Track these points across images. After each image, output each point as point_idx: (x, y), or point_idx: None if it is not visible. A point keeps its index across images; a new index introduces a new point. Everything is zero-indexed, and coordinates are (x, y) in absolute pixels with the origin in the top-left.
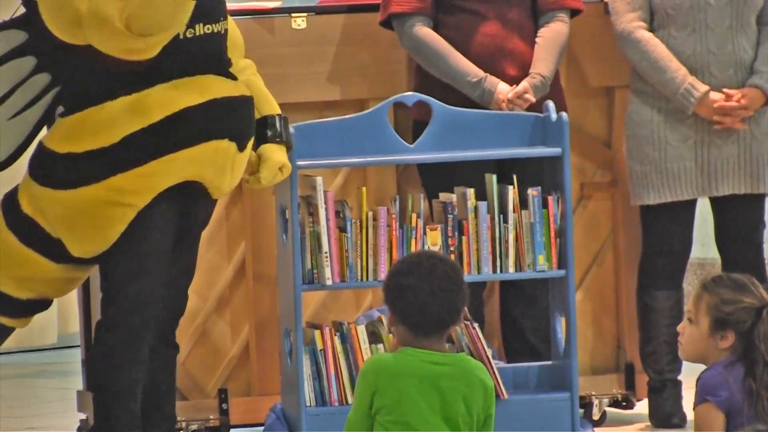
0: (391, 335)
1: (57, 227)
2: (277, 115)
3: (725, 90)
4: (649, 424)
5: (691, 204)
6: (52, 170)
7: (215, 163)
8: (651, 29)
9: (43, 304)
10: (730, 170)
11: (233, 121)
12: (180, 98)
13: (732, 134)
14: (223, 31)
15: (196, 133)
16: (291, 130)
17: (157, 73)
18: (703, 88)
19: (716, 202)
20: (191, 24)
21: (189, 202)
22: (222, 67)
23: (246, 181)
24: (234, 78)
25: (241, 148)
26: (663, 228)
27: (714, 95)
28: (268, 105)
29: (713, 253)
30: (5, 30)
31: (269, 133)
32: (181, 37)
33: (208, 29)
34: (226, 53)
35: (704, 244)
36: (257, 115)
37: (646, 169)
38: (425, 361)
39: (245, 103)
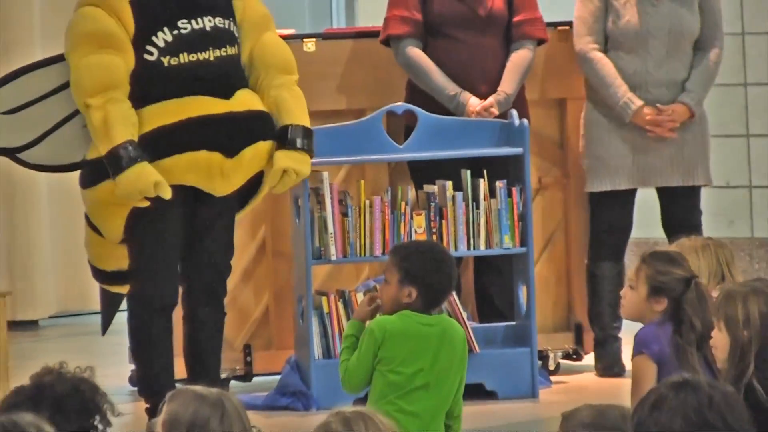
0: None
1: (90, 216)
2: (292, 125)
3: (657, 105)
4: (594, 373)
5: (630, 193)
6: (82, 172)
7: (199, 170)
8: (604, 50)
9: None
10: (664, 167)
11: (212, 134)
12: (159, 117)
13: (665, 139)
14: (214, 59)
15: (172, 145)
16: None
17: (147, 96)
18: (639, 102)
19: (661, 194)
20: (175, 54)
21: (192, 201)
22: (212, 88)
23: (273, 190)
24: (227, 96)
25: (229, 155)
26: (607, 211)
27: (647, 109)
28: (288, 115)
29: (654, 234)
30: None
31: (282, 140)
32: (165, 65)
33: (193, 57)
34: (225, 76)
35: (648, 226)
36: (278, 125)
37: (594, 163)
38: (419, 323)
39: (230, 118)
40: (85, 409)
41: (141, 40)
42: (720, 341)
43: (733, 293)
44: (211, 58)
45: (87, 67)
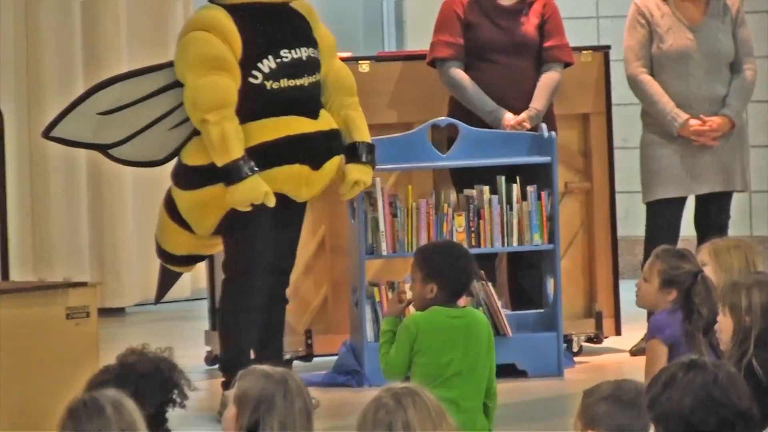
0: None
1: (182, 212)
2: (362, 141)
3: (702, 117)
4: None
5: (681, 200)
6: (179, 174)
7: (291, 180)
8: (651, 73)
9: (198, 258)
10: (708, 177)
11: (304, 149)
12: (261, 133)
13: (708, 149)
14: (307, 84)
15: (272, 159)
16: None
17: (250, 113)
18: (684, 116)
19: (699, 196)
20: (276, 78)
21: (280, 205)
22: (304, 109)
23: (340, 195)
24: (315, 117)
25: (315, 167)
26: (661, 217)
27: (692, 121)
28: (358, 133)
29: (684, 232)
30: (166, 69)
31: (353, 156)
32: (267, 88)
33: (288, 83)
34: (313, 99)
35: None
36: (348, 141)
37: (649, 177)
38: (448, 316)
39: (319, 136)
40: (164, 385)
41: (247, 65)
42: (725, 325)
43: (738, 284)
44: (306, 84)
45: (204, 86)
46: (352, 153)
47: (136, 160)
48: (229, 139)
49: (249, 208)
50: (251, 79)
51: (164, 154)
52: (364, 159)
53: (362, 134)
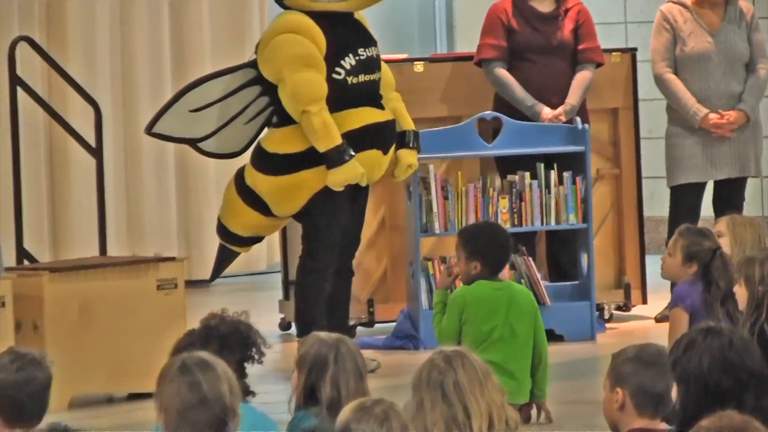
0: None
1: (264, 196)
2: (411, 129)
3: (720, 111)
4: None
5: (702, 185)
6: (262, 161)
7: (368, 164)
8: (675, 72)
9: (258, 239)
10: (725, 164)
11: (379, 137)
12: (346, 123)
13: (726, 140)
14: (377, 79)
15: (356, 145)
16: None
17: (334, 105)
18: (704, 110)
19: (718, 180)
20: (355, 74)
21: (353, 186)
22: (375, 101)
23: (391, 176)
24: (382, 108)
25: (385, 152)
26: (684, 199)
27: (711, 115)
28: (405, 122)
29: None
30: (244, 69)
31: (404, 142)
32: (349, 83)
33: (363, 78)
34: (379, 92)
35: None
36: (398, 130)
37: (673, 163)
38: (492, 289)
39: (387, 125)
40: (243, 343)
41: (331, 62)
42: (740, 295)
43: (752, 258)
44: (376, 79)
45: (302, 81)
46: (401, 140)
47: (219, 152)
48: (331, 127)
49: (342, 188)
50: (335, 75)
51: (241, 146)
52: (412, 144)
53: (409, 123)
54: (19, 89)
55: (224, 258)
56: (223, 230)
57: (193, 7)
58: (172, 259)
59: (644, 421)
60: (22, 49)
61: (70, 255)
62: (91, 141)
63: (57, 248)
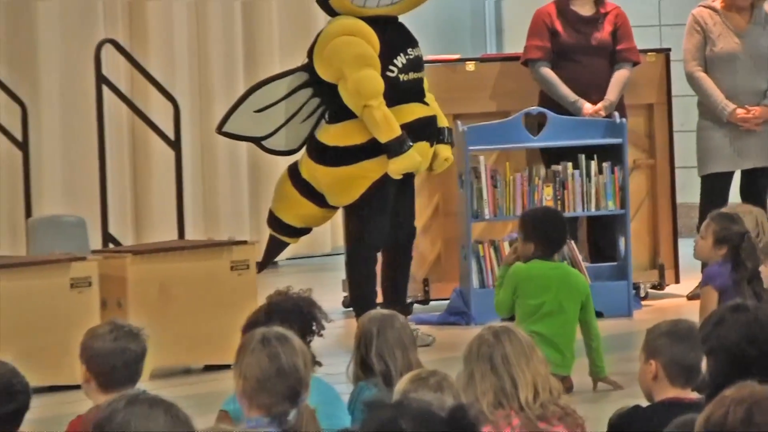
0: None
1: (322, 187)
2: (446, 126)
3: (746, 106)
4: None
5: (730, 174)
6: (322, 154)
7: (421, 155)
8: (705, 71)
9: (308, 230)
10: (751, 155)
11: (426, 130)
12: (399, 117)
13: (752, 132)
14: (422, 77)
15: (411, 137)
16: (459, 130)
17: (386, 100)
18: (732, 106)
19: (743, 173)
20: (406, 71)
21: (406, 175)
22: (420, 97)
23: (428, 169)
24: (427, 104)
25: (431, 145)
26: (713, 187)
27: (739, 110)
28: (441, 120)
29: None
30: (297, 72)
31: (440, 138)
32: (401, 80)
33: (412, 76)
34: (423, 89)
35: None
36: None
37: (704, 155)
38: (546, 268)
39: (432, 119)
40: (305, 319)
41: (385, 61)
42: (765, 275)
43: None
44: (422, 77)
45: (363, 78)
46: (438, 135)
47: (280, 149)
48: (391, 119)
49: (400, 176)
50: (388, 73)
51: (298, 143)
52: (447, 140)
53: (444, 121)
54: (104, 87)
55: (274, 249)
56: (275, 222)
57: (263, 7)
58: (245, 242)
59: (676, 391)
60: (107, 50)
61: (151, 238)
62: (170, 134)
63: (139, 232)
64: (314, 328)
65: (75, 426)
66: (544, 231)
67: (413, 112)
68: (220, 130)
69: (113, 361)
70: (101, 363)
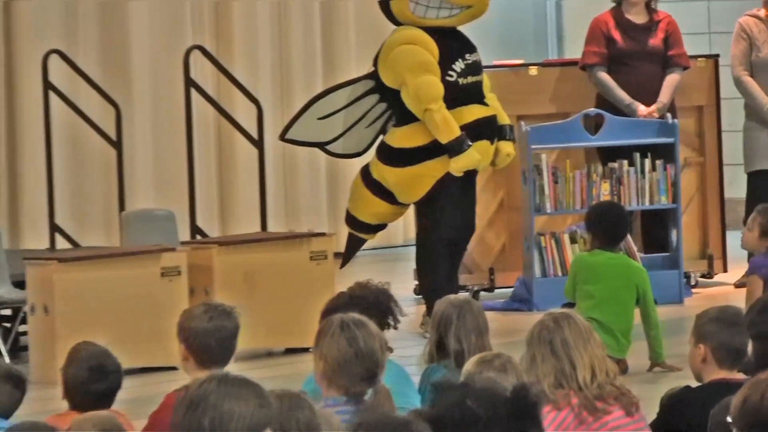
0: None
1: (391, 186)
2: (507, 124)
3: None
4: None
5: None
6: (389, 156)
7: (481, 153)
8: (751, 75)
9: (383, 226)
10: None
11: (486, 129)
12: (460, 118)
13: None
14: (481, 80)
15: (469, 137)
16: (523, 130)
17: (447, 103)
18: None
19: None
20: (465, 75)
21: (468, 173)
22: (480, 99)
23: (491, 165)
24: (486, 105)
25: (491, 142)
26: (758, 183)
27: None
28: (502, 118)
29: None
30: (364, 80)
31: (502, 135)
32: (460, 83)
33: (471, 79)
34: (482, 92)
35: None
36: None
37: (749, 153)
38: (607, 257)
39: (492, 119)
40: (383, 311)
41: (444, 67)
42: None
43: None
44: (481, 80)
45: (423, 83)
46: (500, 133)
47: (345, 153)
48: (450, 121)
49: (461, 174)
50: (448, 77)
51: (363, 146)
52: (509, 137)
53: (505, 119)
54: (192, 90)
55: (353, 246)
56: (352, 220)
57: (341, 13)
58: (323, 234)
59: (723, 373)
60: (195, 55)
61: (236, 231)
62: (254, 134)
63: (224, 225)
64: (390, 321)
65: (171, 400)
66: (607, 224)
67: (473, 113)
68: (283, 137)
69: (209, 340)
70: (198, 342)
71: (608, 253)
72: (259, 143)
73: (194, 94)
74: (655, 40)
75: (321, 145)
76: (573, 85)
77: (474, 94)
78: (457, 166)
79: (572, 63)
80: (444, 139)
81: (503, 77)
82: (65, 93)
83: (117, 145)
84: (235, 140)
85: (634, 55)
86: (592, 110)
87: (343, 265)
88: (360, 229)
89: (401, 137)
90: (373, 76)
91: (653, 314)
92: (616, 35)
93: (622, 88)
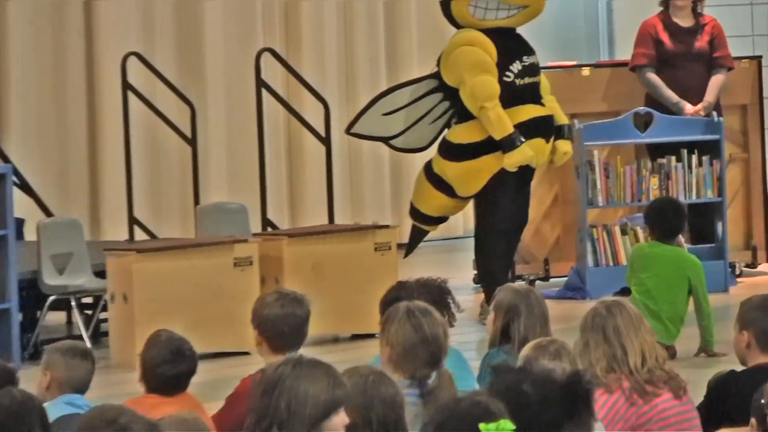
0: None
1: (450, 180)
2: (565, 123)
3: None
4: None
5: None
6: (449, 151)
7: (534, 150)
8: None
9: (444, 219)
10: None
11: (542, 128)
12: (515, 117)
13: None
14: (538, 82)
15: (524, 135)
16: (580, 127)
17: (504, 102)
18: None
19: None
20: (521, 76)
21: (524, 168)
22: (536, 99)
23: (550, 162)
24: (542, 105)
25: (547, 141)
26: None
27: None
28: (560, 118)
29: None
30: (428, 79)
31: (560, 134)
32: (516, 84)
33: (527, 80)
34: (539, 92)
35: None
36: (556, 123)
37: None
38: (661, 248)
39: (548, 118)
40: (438, 305)
41: (502, 68)
42: None
43: None
44: (537, 81)
45: (480, 83)
46: (558, 132)
47: (407, 147)
48: (504, 118)
49: (515, 169)
50: (505, 78)
51: (427, 142)
52: (567, 135)
53: (563, 119)
54: (263, 91)
55: (417, 237)
56: (416, 213)
57: (403, 15)
58: (387, 226)
59: (766, 357)
60: (266, 57)
61: (305, 223)
62: (321, 131)
63: (294, 217)
64: (446, 317)
65: (246, 383)
66: (664, 218)
67: (528, 112)
68: (349, 130)
69: (281, 326)
70: (271, 328)
71: (665, 245)
72: (326, 140)
73: (265, 94)
74: (701, 43)
75: (384, 139)
76: (623, 85)
77: (530, 95)
78: (510, 161)
79: (623, 64)
80: (498, 136)
81: (557, 78)
82: (143, 93)
83: (192, 142)
84: (303, 137)
85: (681, 57)
86: (642, 109)
87: (406, 255)
88: (423, 221)
89: (460, 133)
90: (437, 75)
91: (705, 306)
92: (664, 38)
93: (669, 88)
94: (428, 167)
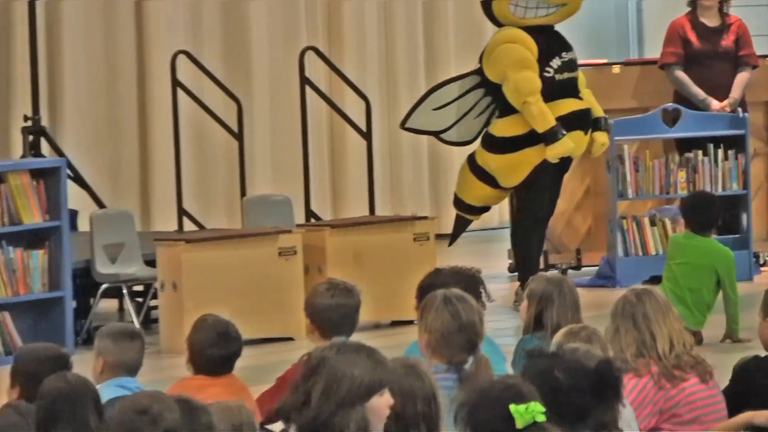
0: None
1: (493, 171)
2: (602, 116)
3: None
4: None
5: None
6: (492, 144)
7: (575, 142)
8: None
9: (487, 209)
10: None
11: (580, 121)
12: (556, 111)
13: None
14: (576, 77)
15: (564, 127)
16: (611, 122)
17: (545, 97)
18: None
19: None
20: (561, 72)
21: (564, 160)
22: (575, 93)
23: (588, 153)
24: (580, 99)
25: (585, 133)
26: None
27: None
28: (597, 111)
29: None
30: (471, 75)
31: (597, 126)
32: (556, 79)
33: (566, 75)
34: (577, 87)
35: None
36: (593, 116)
37: None
38: (696, 239)
39: (586, 111)
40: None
41: (542, 64)
42: None
43: None
44: (576, 76)
45: (522, 78)
46: (595, 124)
47: (458, 141)
48: (546, 112)
49: (557, 161)
50: (545, 73)
51: (474, 134)
52: (603, 127)
53: (600, 111)
54: (307, 88)
55: (460, 226)
56: (459, 203)
57: (441, 14)
58: (425, 217)
59: None
60: (309, 55)
61: (346, 214)
62: (363, 127)
63: (336, 209)
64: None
65: (296, 367)
66: (699, 211)
67: (568, 106)
68: (403, 125)
69: (331, 315)
70: (321, 316)
71: (698, 236)
72: (367, 135)
73: (308, 91)
74: (727, 42)
75: (436, 133)
76: (652, 83)
77: (569, 89)
78: (553, 153)
79: (652, 62)
80: (540, 129)
81: (589, 75)
82: (192, 90)
83: (238, 136)
84: (345, 132)
85: (708, 55)
86: (670, 105)
87: (450, 243)
88: (467, 211)
89: (502, 127)
90: (479, 72)
91: (733, 296)
92: (692, 37)
93: (697, 85)
94: (471, 159)
